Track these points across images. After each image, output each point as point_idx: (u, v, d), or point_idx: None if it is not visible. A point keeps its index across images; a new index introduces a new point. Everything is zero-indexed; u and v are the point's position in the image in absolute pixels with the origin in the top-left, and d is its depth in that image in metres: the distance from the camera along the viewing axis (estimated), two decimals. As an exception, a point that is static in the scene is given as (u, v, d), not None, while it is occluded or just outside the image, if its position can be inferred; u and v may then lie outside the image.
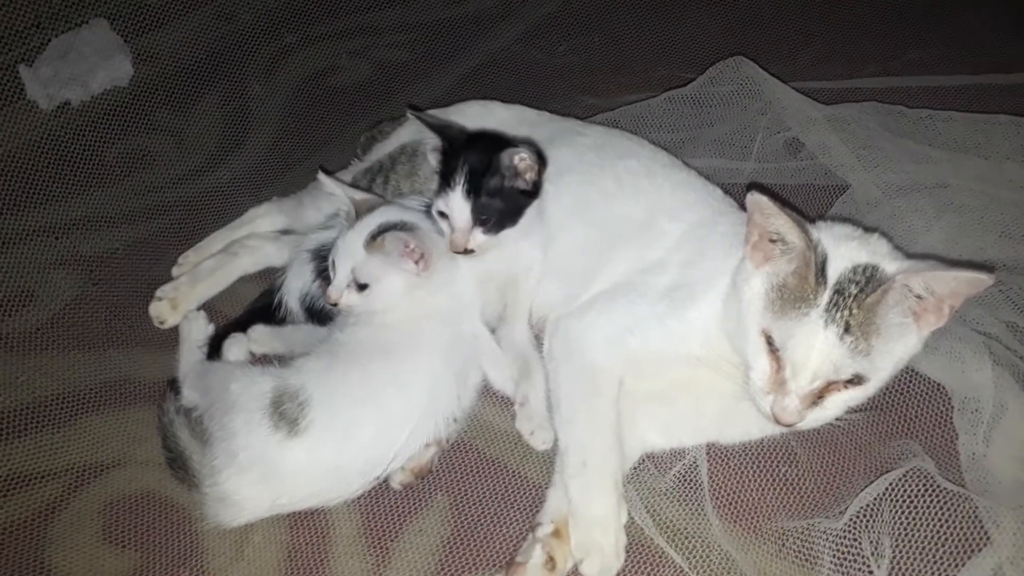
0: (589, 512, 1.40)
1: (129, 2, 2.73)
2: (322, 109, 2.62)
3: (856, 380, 1.26)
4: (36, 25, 2.61)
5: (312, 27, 2.95)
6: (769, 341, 1.29)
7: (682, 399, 1.53)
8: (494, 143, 1.63)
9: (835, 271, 1.27)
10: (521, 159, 1.58)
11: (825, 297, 1.25)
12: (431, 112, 1.96)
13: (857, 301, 1.24)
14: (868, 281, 1.26)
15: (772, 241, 1.31)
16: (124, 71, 2.68)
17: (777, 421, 1.29)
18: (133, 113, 2.52)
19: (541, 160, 1.64)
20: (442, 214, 1.60)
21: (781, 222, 1.28)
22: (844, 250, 1.30)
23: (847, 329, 1.23)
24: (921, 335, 1.29)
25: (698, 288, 1.48)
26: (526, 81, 2.61)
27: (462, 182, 1.55)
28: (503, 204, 1.59)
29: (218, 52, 2.74)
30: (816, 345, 1.24)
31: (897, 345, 1.27)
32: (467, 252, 1.58)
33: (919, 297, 1.23)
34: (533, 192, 1.64)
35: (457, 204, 1.56)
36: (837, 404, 1.29)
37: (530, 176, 1.62)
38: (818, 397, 1.27)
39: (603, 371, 1.51)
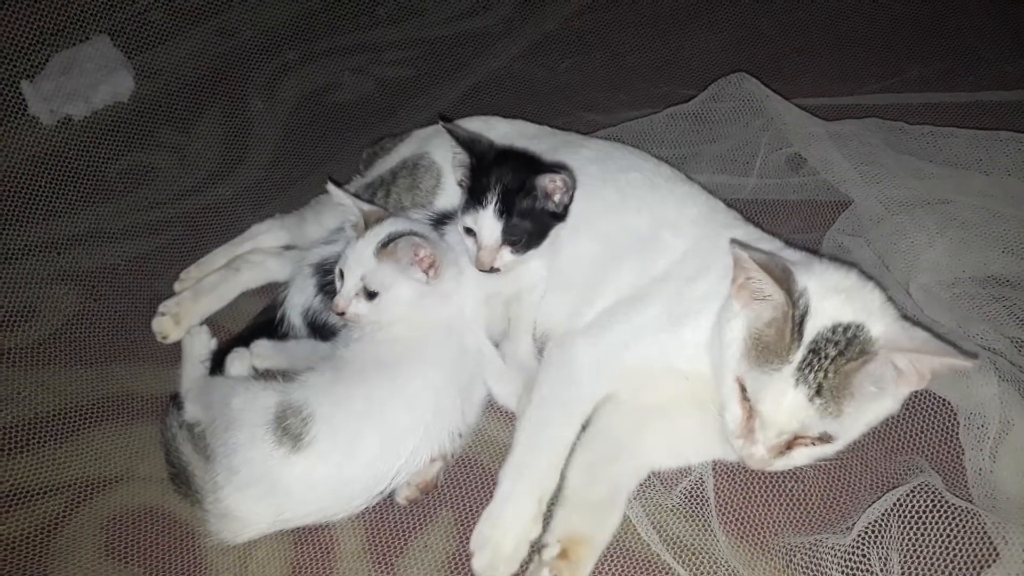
0: (501, 513, 1.42)
1: (131, 18, 2.74)
2: (324, 125, 2.63)
3: (824, 438, 1.29)
4: (38, 41, 2.61)
5: (313, 44, 2.98)
6: (743, 388, 1.31)
7: (686, 418, 1.53)
8: (526, 163, 1.65)
9: (813, 329, 1.28)
10: (552, 181, 1.59)
11: (799, 356, 1.26)
12: (434, 126, 1.98)
13: (835, 364, 1.25)
14: (848, 344, 1.27)
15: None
16: (126, 87, 2.70)
17: (744, 464, 1.34)
18: (135, 129, 2.53)
19: (573, 184, 1.65)
20: (468, 231, 1.60)
21: (760, 277, 1.29)
22: (828, 305, 1.30)
23: (819, 391, 1.25)
24: (899, 396, 1.31)
25: (694, 306, 1.49)
26: (528, 98, 2.63)
27: (495, 201, 1.56)
28: (532, 225, 1.59)
29: (219, 68, 2.76)
30: (784, 403, 1.27)
31: (871, 407, 1.30)
32: (492, 271, 1.58)
33: (900, 368, 1.26)
34: (562, 215, 1.65)
35: (488, 222, 1.56)
36: (804, 456, 1.33)
37: (560, 198, 1.63)
38: (786, 447, 1.30)
39: (584, 396, 1.53)
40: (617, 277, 1.64)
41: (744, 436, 1.32)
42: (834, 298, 1.31)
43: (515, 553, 1.39)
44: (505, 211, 1.55)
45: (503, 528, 1.40)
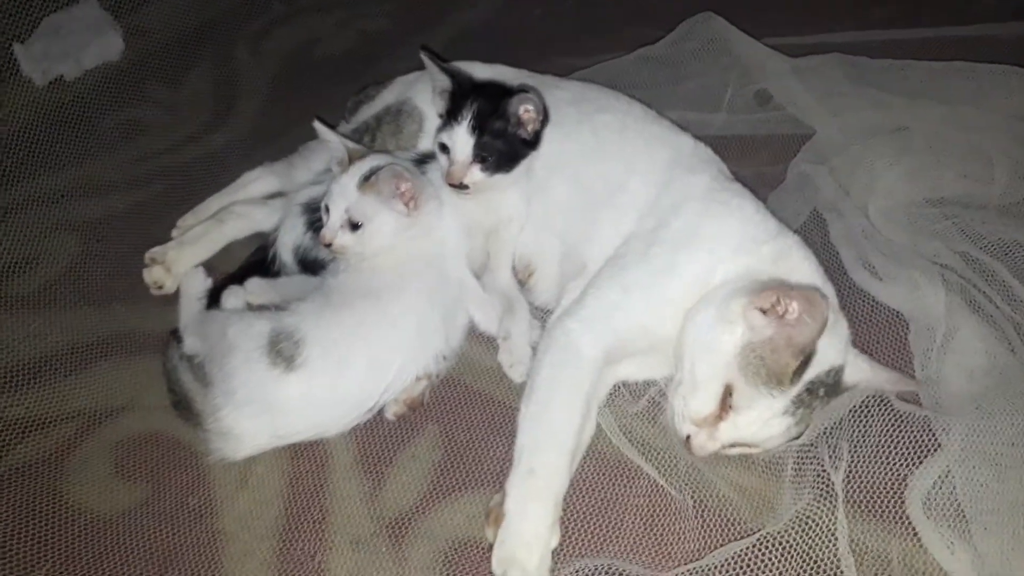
0: (520, 527, 1.33)
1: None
2: (310, 77, 2.72)
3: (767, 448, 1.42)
4: (28, 4, 2.67)
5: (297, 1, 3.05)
6: (728, 392, 1.36)
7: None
8: (503, 90, 1.72)
9: (814, 371, 1.35)
10: (526, 110, 1.67)
11: (796, 390, 1.34)
12: (416, 73, 2.05)
13: (820, 403, 1.37)
14: (835, 384, 1.39)
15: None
16: (115, 46, 2.76)
17: (687, 448, 1.41)
18: (127, 86, 2.61)
19: (545, 113, 1.72)
20: (443, 147, 1.67)
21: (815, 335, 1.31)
22: (829, 347, 1.36)
23: (797, 423, 1.36)
24: None
25: (672, 255, 1.52)
26: (506, 46, 2.66)
27: (469, 117, 1.63)
28: (504, 146, 1.66)
29: (207, 24, 2.83)
30: (767, 426, 1.36)
31: None
32: (462, 188, 1.65)
33: None
34: (533, 143, 1.73)
35: (460, 137, 1.64)
36: (736, 451, 1.43)
37: (532, 127, 1.70)
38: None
39: (584, 362, 1.47)
40: (599, 232, 1.67)
41: (704, 428, 1.38)
42: (832, 339, 1.38)
43: (540, 568, 1.32)
44: (478, 129, 1.63)
45: (524, 546, 1.32)
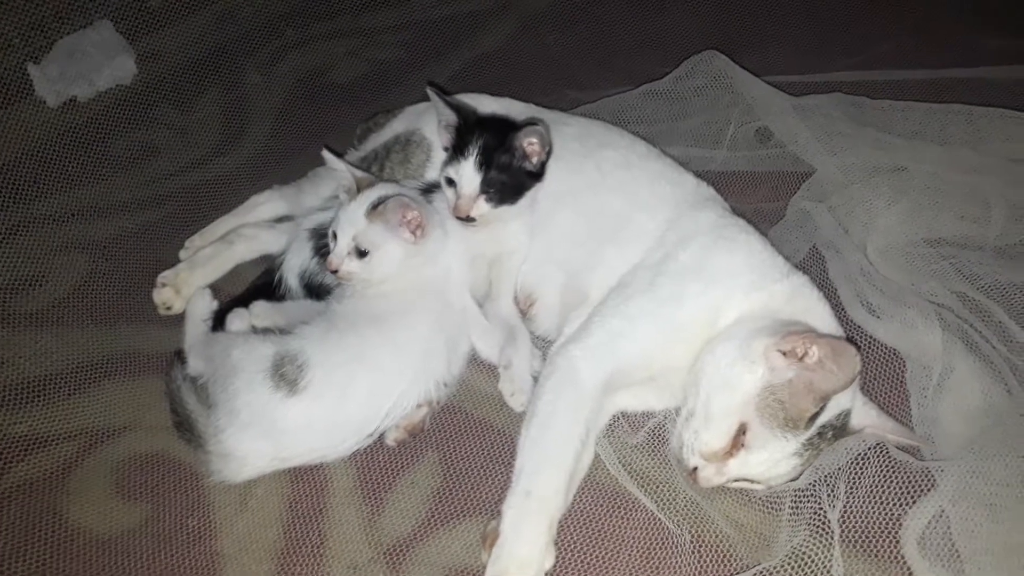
0: (514, 546, 1.34)
1: (132, 4, 2.85)
2: (319, 103, 2.75)
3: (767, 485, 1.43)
4: (39, 26, 2.71)
5: (309, 28, 3.10)
6: (742, 430, 1.38)
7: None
8: (506, 124, 1.76)
9: (827, 415, 1.38)
10: (531, 143, 1.70)
11: (808, 434, 1.37)
12: (425, 103, 2.08)
13: (827, 444, 1.39)
14: (842, 427, 1.41)
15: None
16: (128, 70, 2.81)
17: (691, 479, 1.42)
18: (139, 108, 2.66)
19: (549, 144, 1.75)
20: (450, 181, 1.70)
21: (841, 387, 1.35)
22: (843, 395, 1.39)
23: (804, 463, 1.38)
24: None
25: (677, 287, 1.55)
26: (515, 76, 2.75)
27: (475, 153, 1.67)
28: (509, 180, 1.70)
29: (219, 50, 2.88)
30: (776, 466, 1.38)
31: None
32: (468, 220, 1.68)
33: None
34: (538, 174, 1.76)
35: (467, 173, 1.67)
36: (738, 484, 1.45)
37: (537, 159, 1.74)
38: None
39: (586, 390, 1.48)
40: (602, 263, 1.69)
41: (713, 463, 1.39)
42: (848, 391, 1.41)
43: None
44: (484, 164, 1.66)
45: (518, 564, 1.33)
